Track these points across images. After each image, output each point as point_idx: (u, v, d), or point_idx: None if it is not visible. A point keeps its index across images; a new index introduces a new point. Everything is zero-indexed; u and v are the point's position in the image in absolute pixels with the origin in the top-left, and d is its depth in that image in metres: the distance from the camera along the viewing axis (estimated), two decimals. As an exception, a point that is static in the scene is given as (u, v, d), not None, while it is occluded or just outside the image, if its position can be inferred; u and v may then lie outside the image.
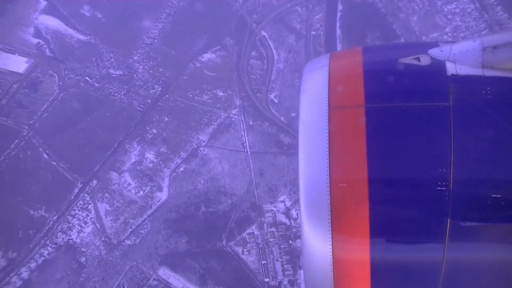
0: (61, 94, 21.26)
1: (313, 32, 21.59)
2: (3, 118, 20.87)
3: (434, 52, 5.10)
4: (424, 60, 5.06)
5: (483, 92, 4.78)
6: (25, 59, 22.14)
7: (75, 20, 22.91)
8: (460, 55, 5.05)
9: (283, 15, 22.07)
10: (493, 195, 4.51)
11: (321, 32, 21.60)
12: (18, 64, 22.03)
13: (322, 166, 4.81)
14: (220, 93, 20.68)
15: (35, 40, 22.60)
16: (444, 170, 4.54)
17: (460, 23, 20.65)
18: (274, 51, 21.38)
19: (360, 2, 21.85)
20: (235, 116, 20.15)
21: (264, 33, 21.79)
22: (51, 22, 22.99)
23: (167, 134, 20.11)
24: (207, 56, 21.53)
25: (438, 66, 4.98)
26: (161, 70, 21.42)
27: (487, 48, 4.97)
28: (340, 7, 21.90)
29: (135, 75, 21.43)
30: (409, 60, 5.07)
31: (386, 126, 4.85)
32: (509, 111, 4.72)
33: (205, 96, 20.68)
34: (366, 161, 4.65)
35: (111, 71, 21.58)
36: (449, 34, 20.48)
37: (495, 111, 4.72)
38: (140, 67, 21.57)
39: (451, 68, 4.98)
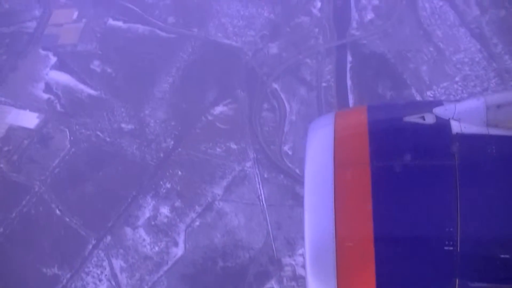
0: (73, 149, 21.13)
1: (324, 84, 21.69)
2: (15, 174, 20.69)
3: (438, 110, 5.24)
4: (429, 119, 5.16)
5: (489, 150, 4.78)
6: (36, 114, 22.14)
7: (85, 75, 23.04)
8: (465, 114, 5.15)
9: (293, 67, 22.23)
10: (502, 256, 4.42)
11: (332, 84, 21.71)
12: (29, 119, 22.01)
13: (328, 226, 4.83)
14: (234, 146, 20.57)
15: (46, 96, 22.66)
16: (451, 229, 4.51)
17: (470, 72, 20.82)
18: (286, 103, 21.41)
19: (369, 53, 22.10)
20: (249, 169, 19.97)
21: (275, 85, 21.87)
22: (62, 77, 23.10)
23: (181, 188, 19.86)
24: (218, 109, 21.52)
25: (443, 125, 5.08)
26: (173, 123, 21.38)
27: (491, 107, 4.98)
28: (349, 58, 22.13)
29: (146, 129, 21.36)
30: (414, 118, 5.14)
31: (392, 185, 4.91)
32: None
33: (218, 149, 20.56)
34: (372, 220, 4.74)
35: (123, 125, 21.53)
36: (459, 83, 20.62)
37: (501, 170, 4.69)
38: (152, 121, 21.52)
39: (456, 127, 5.06)
